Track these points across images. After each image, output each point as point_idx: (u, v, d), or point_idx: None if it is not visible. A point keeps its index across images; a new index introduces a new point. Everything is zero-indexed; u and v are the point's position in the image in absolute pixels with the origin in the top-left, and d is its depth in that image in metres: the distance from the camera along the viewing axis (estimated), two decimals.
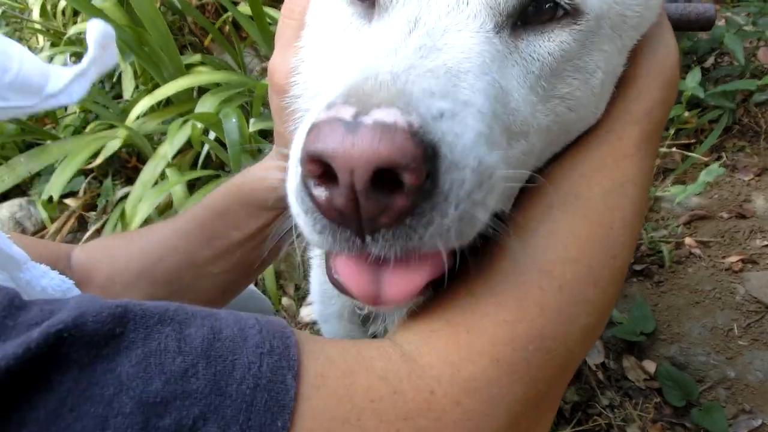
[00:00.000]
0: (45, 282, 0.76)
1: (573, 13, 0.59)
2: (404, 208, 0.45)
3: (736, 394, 1.74)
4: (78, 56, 2.89)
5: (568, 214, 0.61)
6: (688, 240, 2.12)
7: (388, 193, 0.44)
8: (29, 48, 3.36)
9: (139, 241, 0.96)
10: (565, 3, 0.58)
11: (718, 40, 2.37)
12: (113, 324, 0.45)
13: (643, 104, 0.68)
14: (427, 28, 0.54)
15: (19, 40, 3.46)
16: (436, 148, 0.45)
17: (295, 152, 0.50)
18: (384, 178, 0.43)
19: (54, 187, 2.19)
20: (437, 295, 0.56)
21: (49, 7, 3.38)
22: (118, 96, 2.97)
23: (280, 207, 0.84)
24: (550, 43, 0.59)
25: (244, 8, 2.67)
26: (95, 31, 0.68)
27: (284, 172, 0.56)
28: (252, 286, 1.34)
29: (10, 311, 0.44)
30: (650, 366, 1.83)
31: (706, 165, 2.32)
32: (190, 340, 0.46)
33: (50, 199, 2.23)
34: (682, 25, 0.88)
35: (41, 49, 3.05)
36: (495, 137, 0.52)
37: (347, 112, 0.45)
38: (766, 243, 2.05)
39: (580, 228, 0.60)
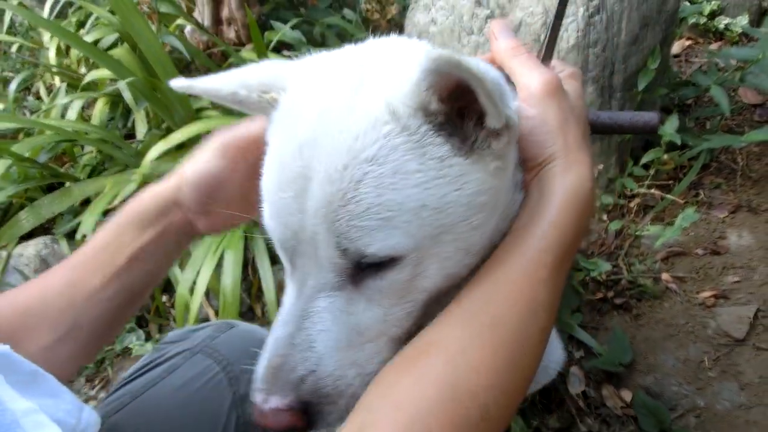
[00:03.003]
0: None
1: (394, 259, 0.72)
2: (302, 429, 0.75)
3: (705, 422, 1.84)
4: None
5: (493, 338, 0.69)
6: (665, 276, 2.23)
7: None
8: (46, 89, 3.52)
9: (39, 284, 1.01)
10: (379, 258, 0.72)
11: (704, 90, 2.50)
12: None
13: (556, 235, 0.75)
14: (305, 294, 0.76)
15: (33, 77, 3.62)
16: (308, 399, 0.75)
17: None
18: None
19: (86, 227, 2.36)
20: (389, 411, 0.66)
21: (63, 46, 3.54)
22: (130, 134, 3.14)
23: (160, 218, 1.01)
24: (382, 281, 0.74)
25: (251, 54, 2.84)
26: None
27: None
28: (251, 325, 1.44)
29: None
30: (627, 395, 1.94)
31: (685, 201, 2.47)
32: None
33: (82, 237, 2.40)
34: (629, 130, 1.03)
35: (58, 91, 3.21)
36: (353, 352, 0.77)
37: (259, 399, 0.75)
38: (737, 279, 2.17)
39: (501, 352, 0.69)
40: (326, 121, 0.73)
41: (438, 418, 0.63)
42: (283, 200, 0.74)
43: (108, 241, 1.00)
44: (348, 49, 0.86)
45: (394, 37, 0.87)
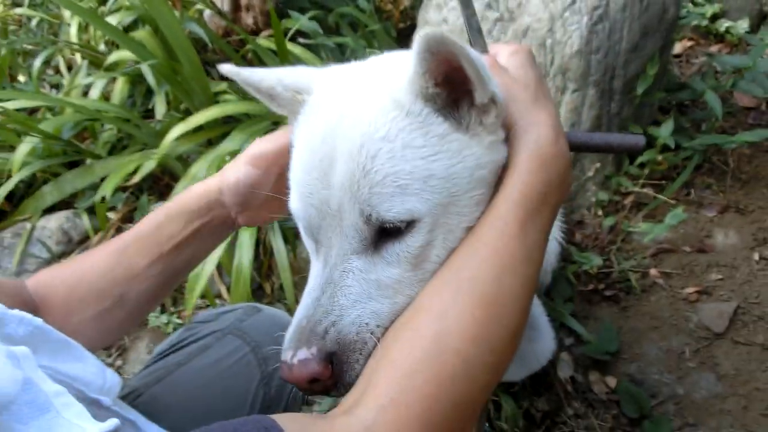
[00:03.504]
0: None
1: (410, 225, 0.84)
2: (329, 383, 0.82)
3: (683, 409, 1.97)
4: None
5: (472, 297, 0.76)
6: (653, 271, 2.36)
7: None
8: (66, 64, 3.62)
9: (84, 263, 1.15)
10: (398, 223, 0.83)
11: (699, 94, 2.61)
12: None
13: (521, 189, 0.82)
14: (330, 265, 0.86)
15: (54, 53, 3.70)
16: (333, 349, 0.82)
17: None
18: None
19: (104, 190, 2.53)
20: (387, 370, 0.75)
21: (84, 22, 3.62)
22: (148, 111, 3.24)
23: (205, 212, 1.15)
24: (401, 246, 0.85)
25: (267, 42, 2.93)
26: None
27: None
28: (276, 310, 1.57)
29: None
30: (612, 381, 2.06)
31: (677, 199, 2.60)
32: None
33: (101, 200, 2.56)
34: (618, 150, 1.16)
35: (79, 69, 3.30)
36: (374, 303, 0.85)
37: (288, 356, 0.82)
38: (720, 276, 2.29)
39: (480, 309, 0.76)
40: (343, 115, 0.88)
41: (427, 372, 0.72)
42: (310, 181, 0.88)
43: (156, 227, 1.15)
44: (358, 63, 1.02)
45: (395, 52, 1.03)
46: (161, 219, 1.16)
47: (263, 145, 1.15)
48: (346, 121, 0.87)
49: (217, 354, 1.33)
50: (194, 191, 1.18)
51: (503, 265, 0.79)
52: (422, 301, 0.81)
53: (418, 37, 0.78)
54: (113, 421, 0.71)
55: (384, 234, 0.85)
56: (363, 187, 0.82)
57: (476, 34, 1.00)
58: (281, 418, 0.68)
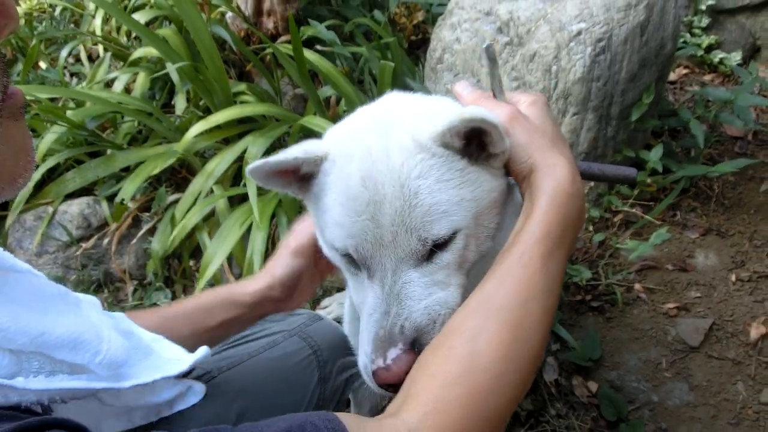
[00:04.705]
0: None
1: (452, 236, 0.99)
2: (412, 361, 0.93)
3: (657, 415, 2.11)
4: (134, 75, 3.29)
5: (500, 324, 0.85)
6: (637, 286, 2.51)
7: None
8: (89, 58, 3.75)
9: (137, 321, 1.18)
10: (447, 238, 0.99)
11: (685, 123, 2.79)
12: None
13: (543, 227, 0.91)
14: (388, 284, 1.00)
15: (78, 43, 3.82)
16: (413, 336, 0.95)
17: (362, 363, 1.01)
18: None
19: (126, 192, 2.65)
20: (426, 382, 0.84)
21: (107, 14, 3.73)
22: (166, 103, 3.38)
23: (257, 307, 1.27)
24: (447, 253, 1.01)
25: (286, 47, 3.07)
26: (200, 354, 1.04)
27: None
28: (333, 321, 1.71)
29: None
30: (593, 386, 2.21)
31: (663, 220, 2.77)
32: None
33: (121, 201, 2.70)
34: (613, 180, 1.30)
35: (102, 60, 3.43)
36: (436, 294, 1.00)
37: (380, 362, 0.94)
38: (698, 294, 2.45)
39: (507, 334, 0.84)
40: (374, 161, 1.03)
41: (463, 386, 0.80)
42: (361, 223, 1.02)
43: (205, 306, 1.27)
44: (366, 107, 1.19)
45: (395, 94, 1.20)
46: (209, 300, 1.29)
47: (300, 236, 1.26)
48: (380, 166, 1.02)
49: (283, 351, 1.47)
50: (247, 288, 1.28)
51: (528, 294, 0.88)
52: (455, 324, 0.90)
53: (461, 118, 0.96)
54: (203, 349, 0.95)
55: (434, 247, 1.00)
56: (414, 218, 0.98)
57: (499, 87, 1.15)
58: (341, 415, 0.78)
